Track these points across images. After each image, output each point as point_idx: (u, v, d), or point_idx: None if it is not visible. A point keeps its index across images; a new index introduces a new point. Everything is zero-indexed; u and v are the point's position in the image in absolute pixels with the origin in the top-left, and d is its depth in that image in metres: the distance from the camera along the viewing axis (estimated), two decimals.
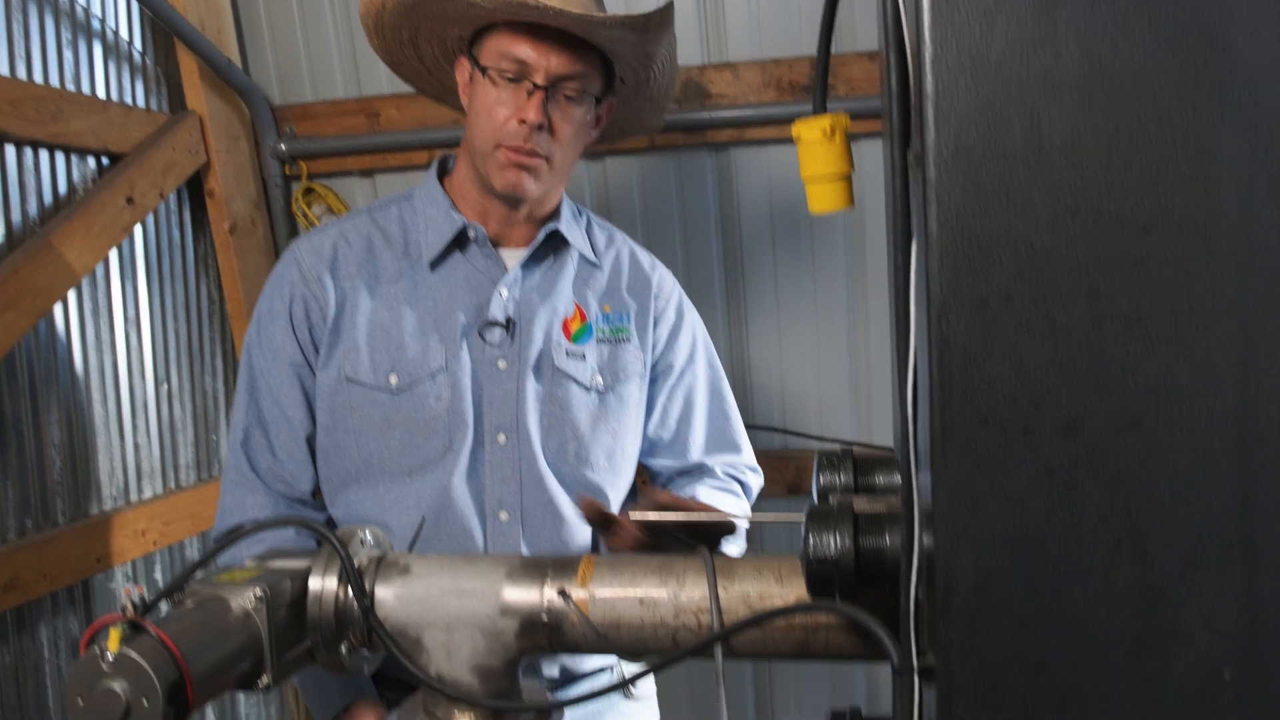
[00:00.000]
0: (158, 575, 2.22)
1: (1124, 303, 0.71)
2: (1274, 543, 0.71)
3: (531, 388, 1.46)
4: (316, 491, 1.50)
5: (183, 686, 0.92)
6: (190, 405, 2.29)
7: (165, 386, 2.22)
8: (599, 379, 1.50)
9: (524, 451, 1.44)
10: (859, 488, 1.11)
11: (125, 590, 0.93)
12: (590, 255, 1.56)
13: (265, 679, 1.06)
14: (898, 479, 0.96)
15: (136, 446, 2.15)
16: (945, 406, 0.73)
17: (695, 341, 1.64)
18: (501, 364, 1.46)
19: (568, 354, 1.49)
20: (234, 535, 1.12)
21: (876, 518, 0.90)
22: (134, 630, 0.93)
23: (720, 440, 1.64)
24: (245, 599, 1.04)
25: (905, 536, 0.78)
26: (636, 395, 1.54)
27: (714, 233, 2.42)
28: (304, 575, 1.10)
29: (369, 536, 1.17)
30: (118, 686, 0.90)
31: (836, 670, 2.71)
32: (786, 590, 1.03)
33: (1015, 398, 0.72)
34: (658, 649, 1.04)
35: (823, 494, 1.07)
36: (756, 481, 1.68)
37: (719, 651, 1.00)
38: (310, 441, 1.48)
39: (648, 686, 1.64)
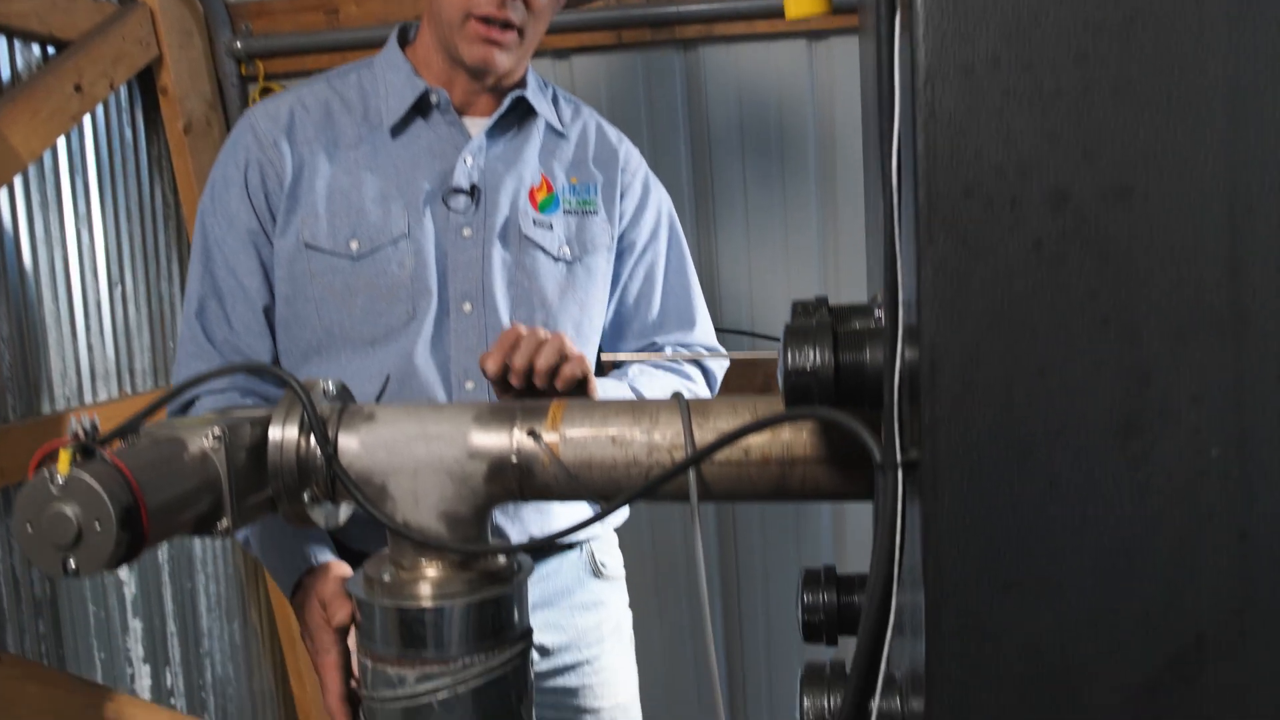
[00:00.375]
0: None
1: (1113, 66, 0.68)
2: (1263, 316, 0.70)
3: (498, 255, 1.42)
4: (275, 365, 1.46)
5: (137, 513, 0.89)
6: (145, 310, 2.23)
7: (119, 289, 2.16)
8: (566, 249, 1.47)
9: (490, 320, 1.41)
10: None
11: (75, 415, 0.89)
12: (557, 124, 1.52)
13: (224, 522, 1.02)
14: (873, 323, 0.94)
15: (90, 348, 2.09)
16: (931, 179, 0.70)
17: (660, 218, 1.60)
18: (466, 232, 1.42)
19: (535, 223, 1.45)
20: (193, 381, 1.08)
21: (857, 334, 0.88)
22: (85, 456, 0.89)
23: (678, 316, 1.61)
24: (203, 438, 1.01)
25: (888, 331, 0.76)
26: (604, 268, 1.51)
27: (682, 135, 2.39)
28: (264, 422, 1.07)
29: (331, 387, 1.13)
30: (68, 510, 0.86)
31: (804, 534, 2.73)
32: None
33: (1002, 168, 0.70)
34: (631, 490, 1.01)
35: None
36: (717, 364, 1.66)
37: (694, 479, 0.97)
38: (268, 313, 1.43)
39: (617, 568, 1.62)
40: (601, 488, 1.03)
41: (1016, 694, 0.73)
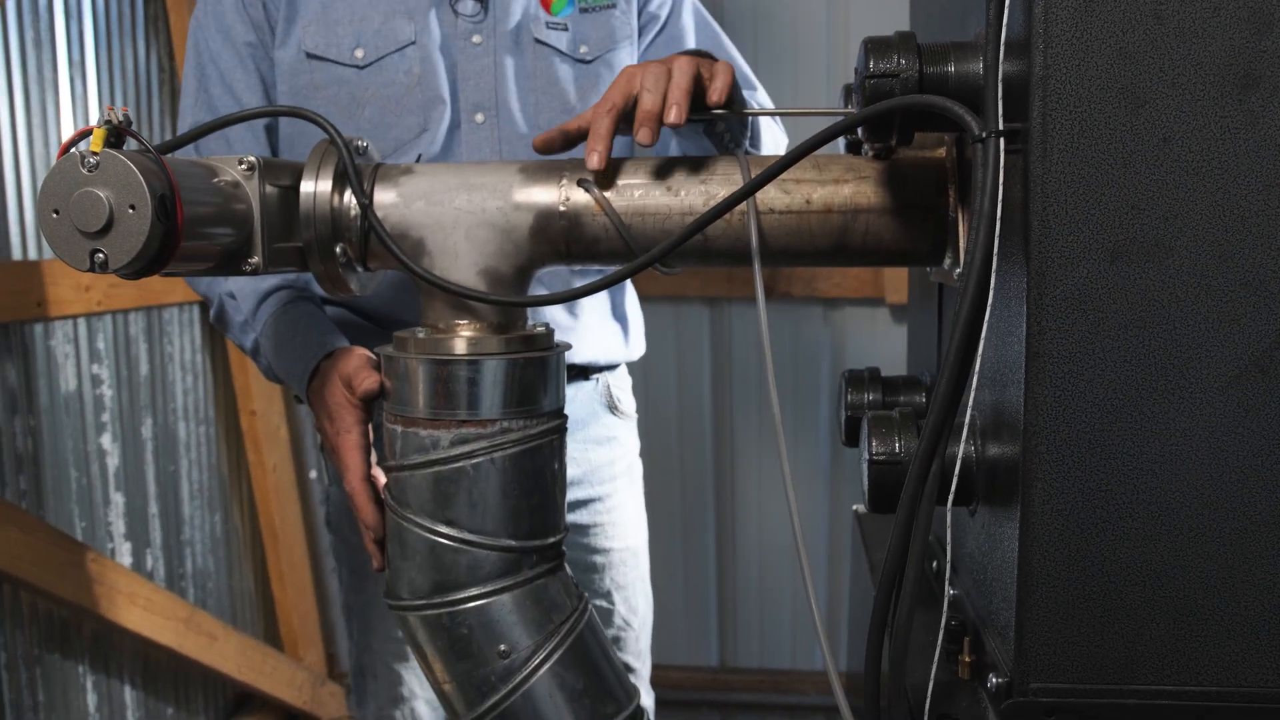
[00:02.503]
0: (100, 344, 2.09)
1: None
2: None
3: (511, 63, 1.36)
4: None
5: (173, 204, 0.83)
6: None
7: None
8: (585, 48, 1.40)
9: (504, 131, 1.35)
10: None
11: (109, 108, 0.83)
12: None
13: (255, 259, 0.97)
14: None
15: None
16: None
17: None
18: (476, 39, 1.36)
19: (548, 25, 1.39)
20: (218, 123, 1.01)
21: (941, 47, 0.84)
22: (118, 143, 0.83)
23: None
24: (235, 165, 0.95)
25: None
26: (628, 62, 1.44)
27: None
28: (297, 170, 1.01)
29: (367, 145, 1.08)
30: (101, 191, 0.80)
31: (800, 460, 2.67)
32: (825, 175, 0.97)
33: None
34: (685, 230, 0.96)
35: None
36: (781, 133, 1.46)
37: (754, 214, 0.93)
38: (269, 133, 1.37)
39: (630, 407, 1.58)
40: (654, 240, 0.98)
41: (1123, 370, 0.70)
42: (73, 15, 1.95)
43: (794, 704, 2.86)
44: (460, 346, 1.00)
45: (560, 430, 1.06)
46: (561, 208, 0.99)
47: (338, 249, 1.01)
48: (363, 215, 0.99)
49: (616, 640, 1.58)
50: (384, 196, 1.01)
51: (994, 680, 0.76)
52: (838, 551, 2.82)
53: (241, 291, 1.32)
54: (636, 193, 0.98)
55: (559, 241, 1.00)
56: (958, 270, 0.92)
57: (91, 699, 2.09)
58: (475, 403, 0.99)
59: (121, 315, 2.13)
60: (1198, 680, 0.71)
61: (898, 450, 0.86)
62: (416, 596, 1.02)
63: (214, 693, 2.49)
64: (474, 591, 1.01)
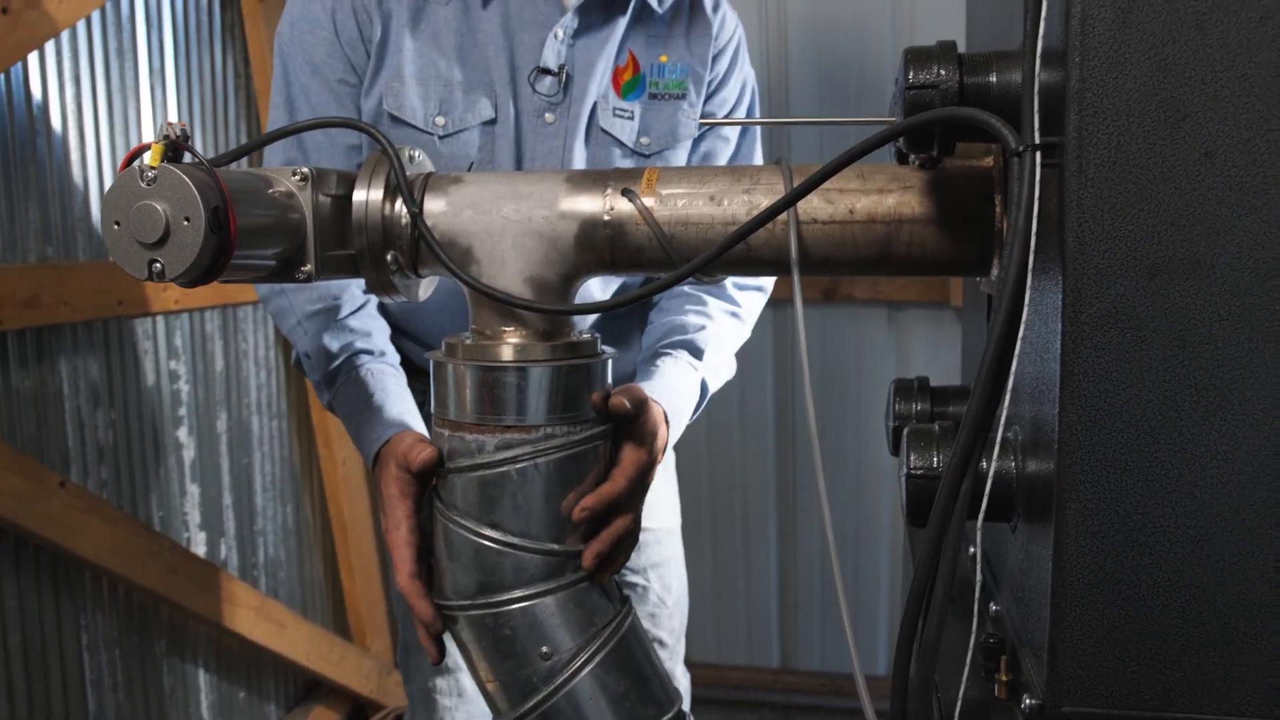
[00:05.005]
0: (178, 341, 2.17)
1: None
2: None
3: (579, 149, 1.36)
4: None
5: (225, 216, 0.86)
6: None
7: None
8: (645, 140, 1.40)
9: None
10: None
11: (167, 123, 0.86)
12: (653, 2, 1.43)
13: (308, 267, 1.00)
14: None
15: None
16: None
17: (742, 94, 1.52)
18: (549, 117, 1.36)
19: (615, 112, 1.39)
20: (274, 135, 1.04)
21: (983, 56, 0.83)
22: (176, 157, 0.86)
23: None
24: (289, 176, 0.98)
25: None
26: (682, 161, 1.45)
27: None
28: (350, 180, 1.04)
29: (420, 155, 1.10)
30: (158, 204, 0.84)
31: (863, 466, 2.63)
32: (869, 185, 0.97)
33: None
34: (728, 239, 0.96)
35: None
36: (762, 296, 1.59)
37: (794, 224, 0.93)
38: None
39: None
40: (697, 249, 0.99)
41: (1161, 390, 0.68)
42: (153, 25, 2.03)
43: (854, 708, 2.82)
44: (507, 353, 1.01)
45: (604, 436, 1.07)
46: (606, 217, 1.00)
47: (389, 256, 1.03)
48: (413, 224, 1.02)
49: (652, 617, 1.61)
50: (434, 205, 1.03)
51: (1028, 701, 0.75)
52: (898, 558, 2.78)
53: (316, 354, 1.34)
54: (680, 202, 0.99)
55: (603, 250, 1.01)
56: None
57: (168, 681, 2.18)
58: (521, 408, 1.01)
59: (198, 313, 2.21)
60: (1237, 711, 0.70)
61: (935, 464, 0.85)
62: (461, 597, 1.05)
63: (284, 679, 2.57)
64: (518, 594, 1.03)
